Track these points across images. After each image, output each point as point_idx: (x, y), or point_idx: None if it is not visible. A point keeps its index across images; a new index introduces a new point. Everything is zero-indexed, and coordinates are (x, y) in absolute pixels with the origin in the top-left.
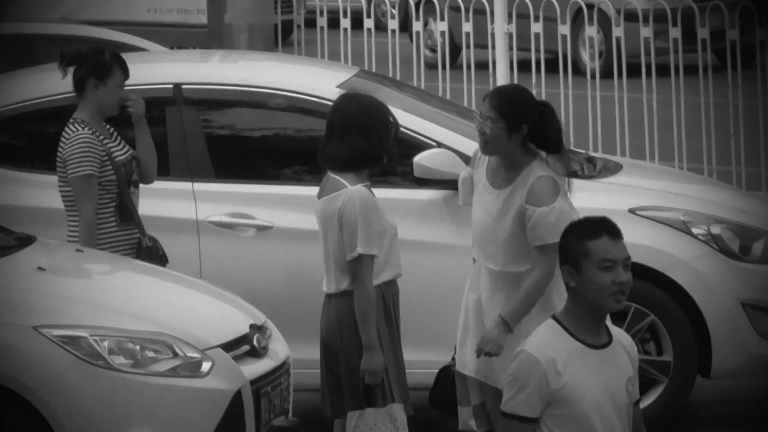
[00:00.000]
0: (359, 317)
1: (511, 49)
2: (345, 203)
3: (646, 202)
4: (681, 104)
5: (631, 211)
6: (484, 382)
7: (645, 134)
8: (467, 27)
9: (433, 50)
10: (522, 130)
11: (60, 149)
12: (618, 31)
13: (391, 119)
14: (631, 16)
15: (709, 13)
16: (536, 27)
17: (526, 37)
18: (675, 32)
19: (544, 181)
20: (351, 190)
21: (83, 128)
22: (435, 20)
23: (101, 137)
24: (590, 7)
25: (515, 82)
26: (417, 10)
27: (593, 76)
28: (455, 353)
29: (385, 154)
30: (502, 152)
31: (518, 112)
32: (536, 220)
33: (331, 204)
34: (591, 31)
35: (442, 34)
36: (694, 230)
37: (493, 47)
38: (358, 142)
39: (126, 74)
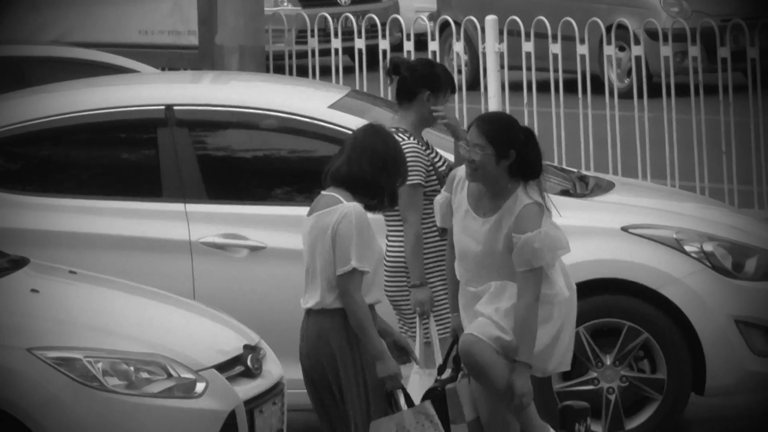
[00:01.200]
0: (358, 331)
1: (502, 68)
2: (341, 218)
3: (638, 220)
4: (673, 121)
5: (624, 229)
6: (478, 398)
7: (637, 152)
8: (458, 47)
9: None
10: (510, 156)
11: None
12: (638, 50)
13: (405, 168)
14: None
15: (730, 31)
16: (527, 46)
17: (541, 56)
18: (694, 51)
19: (530, 208)
20: (348, 205)
21: (408, 138)
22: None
23: (424, 148)
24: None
25: (506, 101)
26: (439, 30)
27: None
28: (439, 375)
29: (387, 192)
30: (488, 179)
31: (507, 137)
32: (522, 246)
33: (324, 218)
34: (610, 50)
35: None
36: (687, 248)
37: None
38: (369, 169)
39: (453, 89)
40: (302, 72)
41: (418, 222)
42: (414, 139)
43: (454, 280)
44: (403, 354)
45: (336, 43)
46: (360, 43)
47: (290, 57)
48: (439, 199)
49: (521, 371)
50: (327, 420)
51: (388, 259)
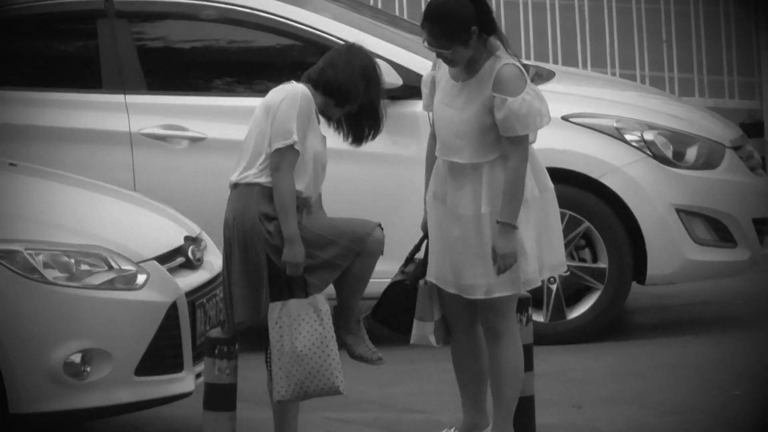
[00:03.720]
0: (279, 208)
1: None
2: (287, 95)
3: (579, 109)
4: (613, 10)
5: (564, 118)
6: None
7: (577, 41)
8: None
9: None
10: (474, 32)
11: None
12: None
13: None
14: None
15: None
16: None
17: None
18: None
19: (510, 68)
20: (298, 86)
21: None
22: None
23: None
24: None
25: None
26: None
27: None
28: (405, 266)
29: (356, 102)
30: (468, 59)
31: (460, 22)
32: (507, 113)
33: (272, 95)
34: None
35: None
36: (628, 136)
37: None
38: (343, 74)
39: None
40: None
41: None
42: None
43: (429, 170)
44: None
45: None
46: None
47: None
48: (424, 78)
49: (504, 232)
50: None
51: None
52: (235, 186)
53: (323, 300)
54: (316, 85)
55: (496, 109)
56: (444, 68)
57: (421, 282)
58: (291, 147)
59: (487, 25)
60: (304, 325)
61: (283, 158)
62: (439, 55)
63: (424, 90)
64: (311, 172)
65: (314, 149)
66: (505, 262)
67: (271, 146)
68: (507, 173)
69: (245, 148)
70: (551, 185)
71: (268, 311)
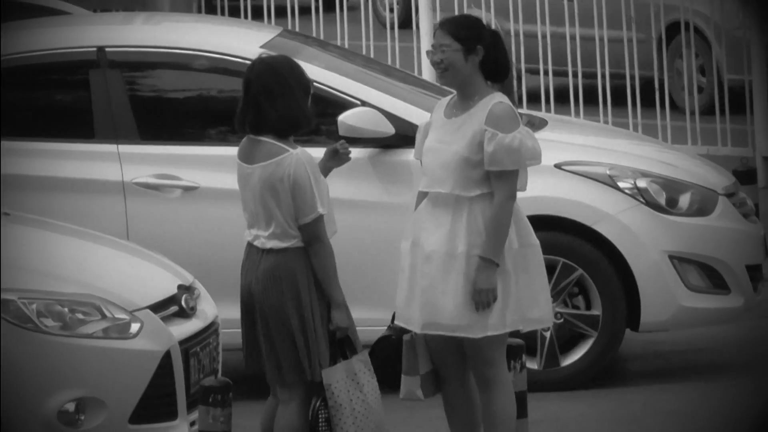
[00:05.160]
0: (324, 275)
1: (434, 6)
2: (295, 167)
3: (571, 157)
4: (605, 55)
5: (557, 166)
6: (434, 349)
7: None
8: None
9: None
10: (478, 51)
11: None
12: None
13: (306, 81)
14: None
15: None
16: None
17: None
18: None
19: (504, 106)
20: (296, 153)
21: None
22: None
23: None
24: None
25: None
26: None
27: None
28: (392, 322)
29: (312, 116)
30: (461, 78)
31: (472, 33)
32: (497, 146)
33: (275, 169)
34: None
35: None
36: (621, 184)
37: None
38: (292, 105)
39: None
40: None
41: None
42: None
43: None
44: None
45: None
46: None
47: None
48: (421, 125)
49: (484, 267)
50: (257, 353)
51: None
52: (267, 252)
53: (366, 354)
54: (280, 133)
55: (487, 142)
56: (439, 110)
57: (406, 336)
58: (320, 216)
59: (498, 68)
60: (363, 380)
61: (317, 226)
62: (434, 64)
63: (418, 137)
64: (332, 207)
65: (327, 186)
66: (481, 297)
67: (299, 221)
68: (492, 208)
69: (260, 216)
70: (536, 241)
71: (325, 374)
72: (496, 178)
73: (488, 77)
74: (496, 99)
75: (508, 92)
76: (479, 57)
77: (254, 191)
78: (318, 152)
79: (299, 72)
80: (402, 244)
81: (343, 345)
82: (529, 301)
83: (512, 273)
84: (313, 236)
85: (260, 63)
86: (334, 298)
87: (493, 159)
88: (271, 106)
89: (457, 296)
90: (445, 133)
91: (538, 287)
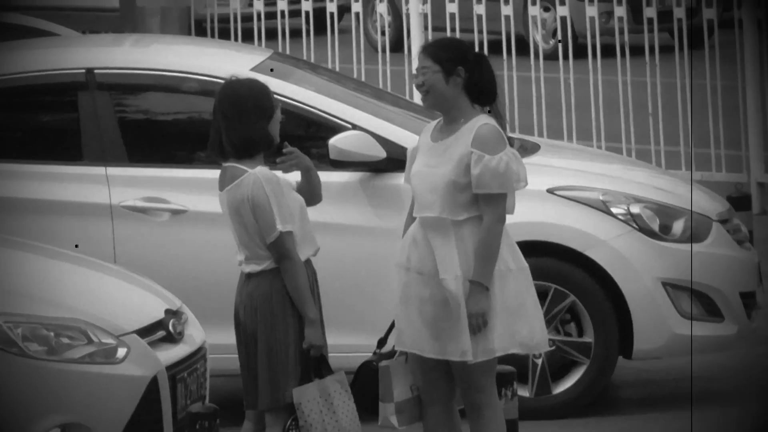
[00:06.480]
0: (295, 293)
1: (426, 29)
2: (252, 187)
3: (564, 182)
4: (599, 83)
5: (550, 191)
6: (416, 371)
7: (563, 114)
8: (381, 8)
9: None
10: (459, 72)
11: None
12: (563, 11)
13: (270, 104)
14: None
15: None
16: (451, 7)
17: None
18: (620, 11)
19: (490, 128)
20: (253, 173)
21: None
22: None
23: None
24: None
25: None
26: None
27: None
28: (378, 347)
29: (273, 138)
30: (443, 101)
31: (452, 54)
32: (483, 169)
33: (236, 192)
34: (535, 10)
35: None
36: (614, 210)
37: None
38: (248, 128)
39: None
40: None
41: None
42: None
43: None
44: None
45: (282, 5)
46: (307, 5)
47: (235, 21)
48: (409, 150)
49: (474, 291)
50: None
51: None
52: (248, 276)
53: (343, 374)
54: (240, 155)
55: (473, 164)
56: (426, 134)
57: (382, 363)
58: (281, 234)
59: (483, 90)
60: (337, 400)
61: (282, 245)
62: (417, 87)
63: (408, 163)
64: (297, 220)
65: (299, 206)
66: (471, 322)
67: (266, 240)
68: (481, 232)
69: (242, 242)
70: (525, 264)
71: (296, 393)
72: (485, 201)
73: (474, 100)
74: (482, 121)
75: (498, 116)
76: (462, 78)
77: (227, 217)
78: None
79: (259, 94)
80: (395, 269)
81: (319, 364)
82: (522, 325)
83: (501, 296)
84: (280, 255)
85: (223, 87)
86: (306, 316)
87: (480, 182)
88: (227, 130)
89: (446, 321)
90: (432, 157)
91: (532, 311)
